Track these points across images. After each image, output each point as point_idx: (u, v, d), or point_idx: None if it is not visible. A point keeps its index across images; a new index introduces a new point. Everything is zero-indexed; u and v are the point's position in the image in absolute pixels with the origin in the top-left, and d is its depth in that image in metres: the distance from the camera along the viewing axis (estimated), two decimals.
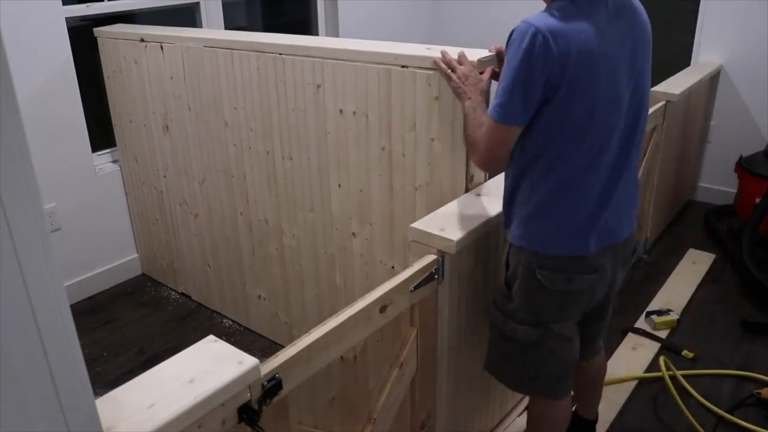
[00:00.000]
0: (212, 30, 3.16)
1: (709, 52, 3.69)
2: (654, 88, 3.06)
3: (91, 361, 2.64)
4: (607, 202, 1.49)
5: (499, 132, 1.42)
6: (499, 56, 1.74)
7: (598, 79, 1.37)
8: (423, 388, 1.73)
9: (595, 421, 2.02)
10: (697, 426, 2.14)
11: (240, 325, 2.91)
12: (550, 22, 1.33)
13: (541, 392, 1.70)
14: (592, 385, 1.95)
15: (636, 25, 1.47)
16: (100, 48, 2.94)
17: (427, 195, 2.00)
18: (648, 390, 2.35)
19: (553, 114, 1.38)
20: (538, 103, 1.37)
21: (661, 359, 2.43)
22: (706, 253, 3.30)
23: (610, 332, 2.31)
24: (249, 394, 1.15)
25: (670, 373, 2.37)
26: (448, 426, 1.87)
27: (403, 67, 1.90)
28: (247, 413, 1.15)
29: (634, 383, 2.37)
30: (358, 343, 1.45)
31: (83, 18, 2.96)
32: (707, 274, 3.12)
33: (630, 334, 2.66)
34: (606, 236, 1.52)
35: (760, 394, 2.26)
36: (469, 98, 1.61)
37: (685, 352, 2.51)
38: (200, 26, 3.35)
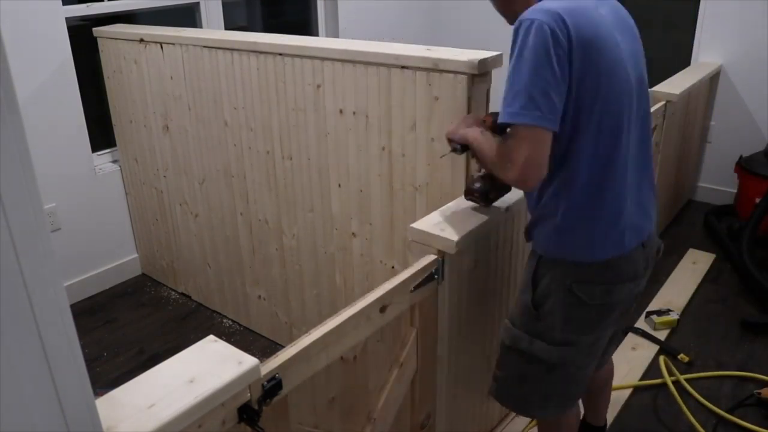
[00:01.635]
0: (212, 30, 3.16)
1: (708, 52, 3.69)
2: (654, 88, 3.05)
3: (91, 361, 2.64)
4: (631, 197, 1.42)
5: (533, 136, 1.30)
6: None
7: (607, 62, 1.31)
8: (423, 388, 1.73)
9: (604, 427, 1.96)
10: (697, 426, 2.14)
11: (240, 325, 2.91)
12: (551, 6, 1.27)
13: (557, 413, 1.63)
14: (601, 390, 1.89)
15: (620, 12, 1.45)
16: (100, 48, 2.94)
17: (427, 195, 2.00)
18: (648, 390, 2.35)
19: (571, 106, 1.30)
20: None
21: (662, 360, 2.43)
22: (706, 253, 3.30)
23: None
24: (249, 394, 1.15)
25: (673, 378, 2.36)
26: (448, 426, 1.87)
27: (403, 68, 1.90)
28: (247, 413, 1.15)
29: (634, 383, 2.37)
30: (358, 343, 1.44)
31: (83, 18, 2.95)
32: (707, 274, 3.12)
33: (630, 334, 2.66)
34: (634, 233, 1.44)
35: (760, 394, 2.26)
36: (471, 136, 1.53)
37: (681, 356, 2.50)
38: (200, 26, 3.34)
